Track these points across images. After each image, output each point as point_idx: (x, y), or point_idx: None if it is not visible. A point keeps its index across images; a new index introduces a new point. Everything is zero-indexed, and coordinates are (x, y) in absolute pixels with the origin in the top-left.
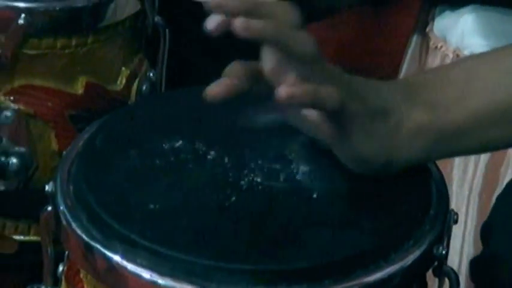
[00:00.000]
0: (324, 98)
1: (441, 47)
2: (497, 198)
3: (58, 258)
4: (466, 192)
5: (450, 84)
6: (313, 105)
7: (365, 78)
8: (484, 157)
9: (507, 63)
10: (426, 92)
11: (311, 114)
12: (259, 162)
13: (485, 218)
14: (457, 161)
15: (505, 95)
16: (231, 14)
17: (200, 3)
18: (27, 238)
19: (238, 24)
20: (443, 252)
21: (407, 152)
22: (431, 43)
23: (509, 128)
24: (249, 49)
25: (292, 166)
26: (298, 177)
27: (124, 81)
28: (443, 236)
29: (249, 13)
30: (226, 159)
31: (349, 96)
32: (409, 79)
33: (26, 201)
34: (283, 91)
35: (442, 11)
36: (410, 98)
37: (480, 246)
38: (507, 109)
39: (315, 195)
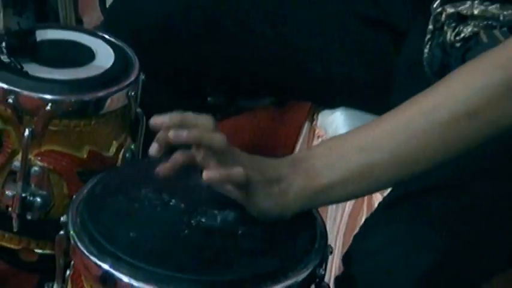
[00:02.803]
0: (233, 177)
1: (322, 135)
2: (354, 237)
3: (66, 266)
4: (335, 233)
5: (317, 158)
6: (227, 182)
7: (264, 157)
8: (347, 209)
9: (356, 141)
10: (303, 164)
11: (227, 186)
12: (204, 208)
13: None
14: (329, 211)
15: (356, 164)
16: (165, 128)
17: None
18: (45, 251)
19: (171, 135)
20: (323, 272)
21: (294, 206)
22: (316, 133)
23: (363, 185)
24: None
25: (225, 212)
26: (229, 219)
27: (114, 150)
28: (323, 262)
29: (178, 125)
30: (182, 206)
31: (252, 171)
32: (295, 155)
33: (45, 227)
34: (205, 175)
35: (324, 111)
36: (294, 170)
37: (342, 268)
38: (359, 174)
39: (240, 232)
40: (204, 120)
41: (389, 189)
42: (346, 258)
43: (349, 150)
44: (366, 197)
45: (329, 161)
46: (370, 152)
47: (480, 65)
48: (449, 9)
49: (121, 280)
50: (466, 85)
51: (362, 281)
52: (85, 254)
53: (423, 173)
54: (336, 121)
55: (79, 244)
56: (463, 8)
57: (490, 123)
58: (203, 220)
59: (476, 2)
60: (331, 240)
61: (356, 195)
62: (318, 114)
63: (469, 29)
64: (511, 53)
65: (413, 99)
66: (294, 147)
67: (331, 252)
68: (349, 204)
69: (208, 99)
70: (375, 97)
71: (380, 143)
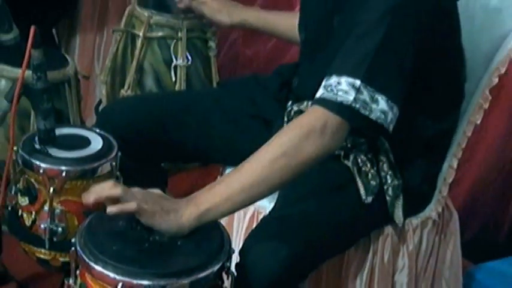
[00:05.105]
0: (126, 209)
1: None
2: (245, 240)
3: (76, 268)
4: (238, 239)
5: (201, 194)
6: (123, 212)
7: (168, 197)
8: (245, 224)
9: (224, 181)
10: (193, 198)
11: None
12: (157, 231)
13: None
14: (234, 225)
15: (223, 195)
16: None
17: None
18: (65, 259)
19: (84, 200)
20: (229, 265)
21: (188, 225)
22: None
23: (229, 206)
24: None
25: None
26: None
27: None
28: (229, 258)
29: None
30: (144, 230)
31: (152, 205)
32: (191, 195)
33: (64, 245)
34: (107, 210)
35: (228, 169)
36: (187, 203)
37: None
38: (225, 200)
39: (179, 243)
40: (104, 184)
41: (270, 209)
42: (241, 252)
43: (219, 187)
44: (256, 214)
45: (208, 194)
46: (230, 186)
47: (291, 125)
48: (295, 108)
49: (108, 276)
50: (282, 138)
51: (250, 264)
52: (86, 261)
53: (273, 193)
54: None
55: (83, 255)
56: (302, 107)
57: (298, 161)
58: (157, 238)
59: (306, 102)
60: (234, 245)
61: (229, 212)
62: (225, 170)
63: None
64: (303, 120)
65: (260, 148)
66: None
67: (234, 252)
68: (247, 220)
69: (162, 164)
70: None
71: (237, 179)
